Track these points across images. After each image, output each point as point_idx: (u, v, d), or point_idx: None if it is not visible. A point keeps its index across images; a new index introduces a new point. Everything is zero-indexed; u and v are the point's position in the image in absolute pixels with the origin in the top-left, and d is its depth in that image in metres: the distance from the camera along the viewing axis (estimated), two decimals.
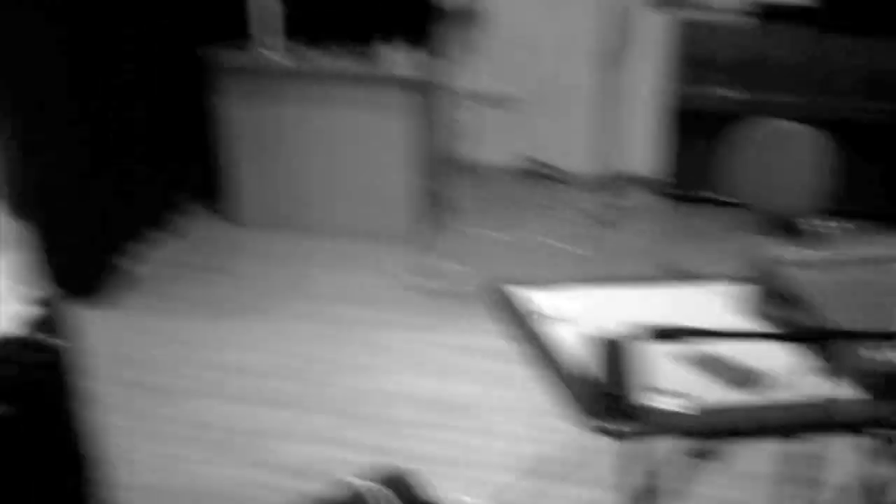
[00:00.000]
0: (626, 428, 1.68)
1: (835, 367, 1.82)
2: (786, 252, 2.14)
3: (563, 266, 4.19)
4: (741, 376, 1.85)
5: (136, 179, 4.36)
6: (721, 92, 4.73)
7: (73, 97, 3.77)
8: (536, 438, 2.90)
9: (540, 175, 5.40)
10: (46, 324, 2.08)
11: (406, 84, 4.28)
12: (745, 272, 2.16)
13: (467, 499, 2.62)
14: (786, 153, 3.27)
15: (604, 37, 4.85)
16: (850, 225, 2.59)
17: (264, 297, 3.93)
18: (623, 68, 4.89)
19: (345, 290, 4.01)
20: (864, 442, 1.94)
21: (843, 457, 2.06)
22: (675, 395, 1.77)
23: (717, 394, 1.80)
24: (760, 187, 3.33)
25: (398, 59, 4.35)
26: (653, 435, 1.74)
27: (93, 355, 2.20)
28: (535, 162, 5.41)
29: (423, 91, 4.37)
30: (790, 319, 1.98)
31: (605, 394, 1.68)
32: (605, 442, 1.71)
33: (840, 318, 1.85)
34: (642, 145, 5.10)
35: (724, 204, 4.50)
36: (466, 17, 4.86)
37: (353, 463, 2.72)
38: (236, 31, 4.53)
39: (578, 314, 2.10)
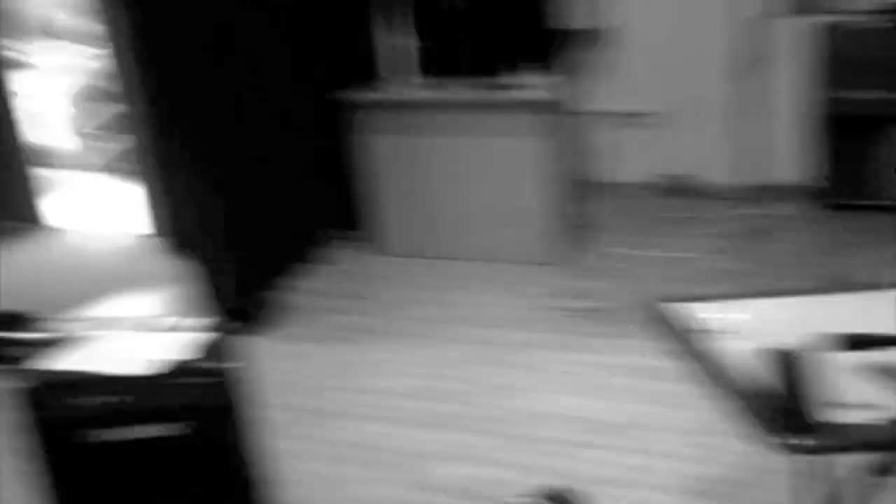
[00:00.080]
0: (809, 443, 1.61)
1: None
2: None
3: (713, 281, 4.07)
4: None
5: (287, 215, 4.58)
6: (872, 95, 4.51)
7: (229, 142, 3.99)
8: (699, 458, 2.82)
9: (680, 190, 5.29)
10: (215, 350, 2.20)
11: (539, 108, 4.29)
12: None
13: None
14: None
15: (741, 46, 4.73)
16: None
17: (413, 323, 4.00)
18: (763, 76, 4.75)
19: (491, 313, 4.04)
20: None
21: None
22: (860, 407, 1.69)
23: None
24: None
25: (530, 83, 4.38)
26: (838, 450, 1.66)
27: (255, 381, 2.30)
28: (674, 177, 5.31)
29: (557, 113, 4.37)
30: None
31: (784, 408, 1.62)
32: (774, 461, 1.64)
33: None
34: (790, 154, 4.91)
35: (883, 210, 4.28)
36: (596, 37, 4.84)
37: (512, 483, 2.73)
38: (369, 71, 4.72)
39: (746, 328, 2.03)
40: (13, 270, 5.21)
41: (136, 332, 2.29)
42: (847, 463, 1.94)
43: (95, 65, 6.54)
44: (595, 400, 3.22)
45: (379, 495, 2.77)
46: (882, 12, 4.39)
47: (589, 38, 4.76)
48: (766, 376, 1.64)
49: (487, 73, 4.53)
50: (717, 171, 5.16)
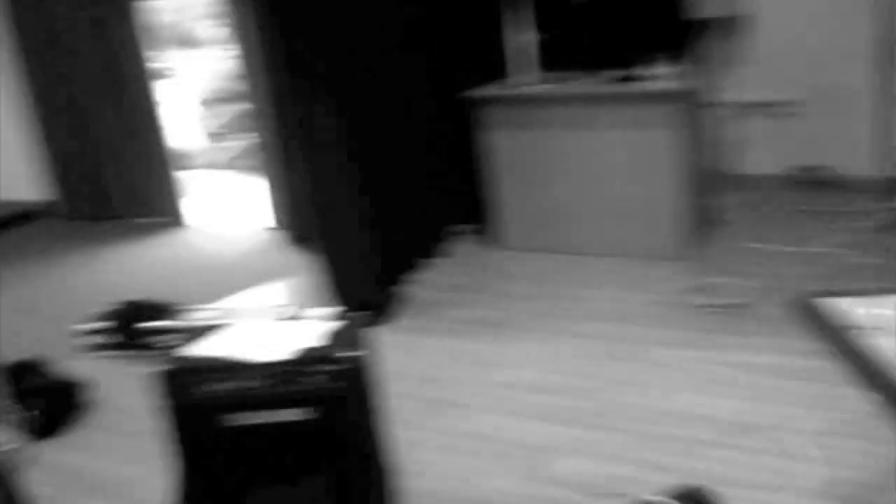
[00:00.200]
0: None
1: None
2: None
3: (851, 277, 3.86)
4: None
5: (416, 210, 4.65)
6: None
7: (363, 138, 4.07)
8: (835, 460, 2.67)
9: (816, 182, 5.05)
10: (343, 339, 2.24)
11: (669, 99, 4.18)
12: None
13: None
14: None
15: (881, 34, 4.46)
16: None
17: (534, 317, 3.97)
18: None
19: (616, 308, 3.96)
20: None
21: None
22: None
23: None
24: None
25: (661, 74, 4.26)
26: None
27: (379, 370, 2.33)
28: (810, 169, 5.07)
29: (688, 105, 4.24)
30: None
31: None
32: None
33: None
34: None
35: None
36: (730, 26, 4.67)
37: (641, 480, 2.66)
38: (499, 68, 4.74)
39: (893, 324, 1.90)
40: (156, 265, 5.49)
41: (269, 321, 2.36)
42: None
43: (223, 67, 6.83)
44: (723, 399, 3.11)
45: (496, 487, 2.76)
46: None
47: (723, 26, 4.60)
48: None
49: (616, 66, 4.45)
50: (855, 162, 4.90)
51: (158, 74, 6.03)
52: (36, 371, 3.57)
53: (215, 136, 7.63)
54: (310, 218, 4.33)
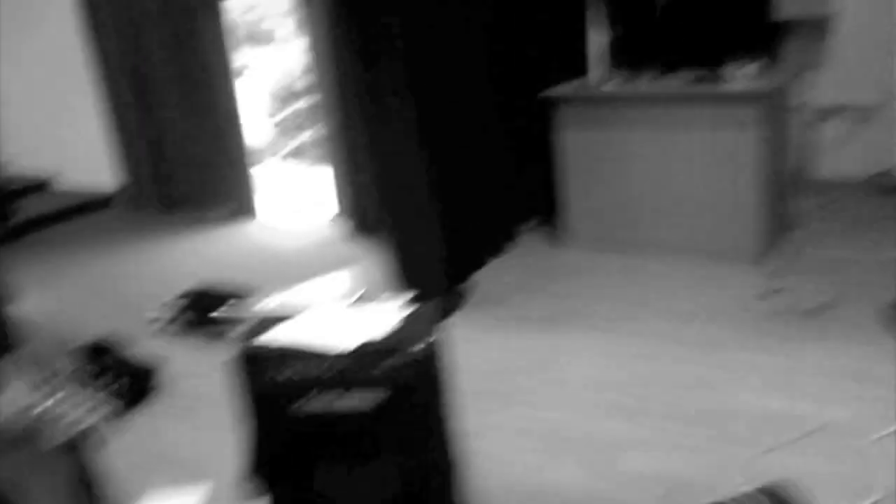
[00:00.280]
0: None
1: None
2: None
3: None
4: None
5: (491, 205, 4.67)
6: None
7: (428, 131, 4.09)
8: None
9: (894, 188, 4.91)
10: (414, 328, 2.25)
11: (749, 100, 4.09)
12: None
13: None
14: None
15: None
16: None
17: (605, 314, 3.94)
18: None
19: (690, 308, 3.90)
20: None
21: None
22: None
23: None
24: None
25: (741, 75, 4.17)
26: None
27: (447, 361, 2.33)
28: (888, 174, 4.93)
29: (769, 106, 4.14)
30: None
31: None
32: None
33: None
34: None
35: None
36: (815, 28, 4.57)
37: (706, 479, 2.63)
38: (580, 68, 4.75)
39: None
40: (227, 254, 5.61)
41: (340, 309, 2.39)
42: None
43: (292, 62, 6.92)
44: (796, 401, 3.04)
45: (562, 481, 2.75)
46: None
47: (809, 28, 4.50)
48: None
49: (693, 66, 4.38)
50: None
51: (236, 71, 6.14)
52: (112, 352, 3.68)
53: (284, 129, 7.75)
54: (377, 209, 4.37)
